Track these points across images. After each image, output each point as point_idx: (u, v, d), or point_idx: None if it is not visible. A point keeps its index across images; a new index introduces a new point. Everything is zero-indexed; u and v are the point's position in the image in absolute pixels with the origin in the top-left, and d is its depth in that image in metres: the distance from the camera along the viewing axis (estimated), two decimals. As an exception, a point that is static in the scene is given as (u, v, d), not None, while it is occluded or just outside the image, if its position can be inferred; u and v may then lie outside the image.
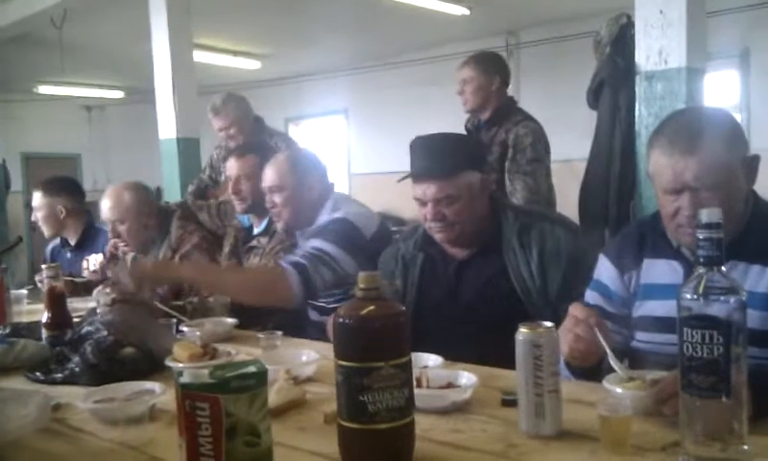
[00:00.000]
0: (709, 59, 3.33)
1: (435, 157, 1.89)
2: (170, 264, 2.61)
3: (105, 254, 3.27)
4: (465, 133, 3.44)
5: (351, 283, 1.21)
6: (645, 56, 3.01)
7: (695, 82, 2.95)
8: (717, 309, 0.97)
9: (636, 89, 3.06)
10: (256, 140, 3.50)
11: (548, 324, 1.20)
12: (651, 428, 1.14)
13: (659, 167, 1.43)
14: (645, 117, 3.02)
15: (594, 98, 3.75)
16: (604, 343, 1.31)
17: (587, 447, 1.10)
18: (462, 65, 3.40)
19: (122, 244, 2.85)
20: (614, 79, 3.59)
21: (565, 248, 1.84)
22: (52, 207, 3.40)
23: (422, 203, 1.89)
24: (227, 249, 2.78)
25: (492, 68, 3.33)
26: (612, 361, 1.31)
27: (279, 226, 2.46)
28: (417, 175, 1.90)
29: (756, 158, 1.44)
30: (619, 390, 1.24)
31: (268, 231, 2.66)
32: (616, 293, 1.60)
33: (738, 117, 6.69)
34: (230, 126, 3.80)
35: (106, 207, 2.84)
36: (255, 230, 2.74)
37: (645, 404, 1.19)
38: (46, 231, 3.46)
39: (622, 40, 3.56)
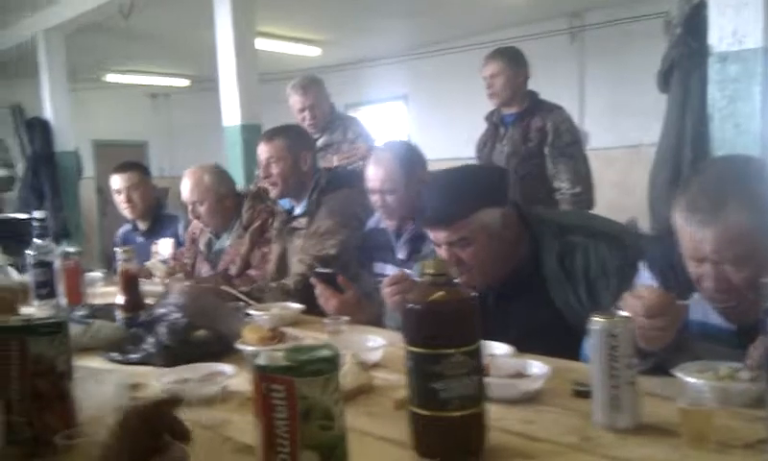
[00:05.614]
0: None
1: (444, 199, 1.77)
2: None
3: (177, 239, 3.36)
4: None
5: None
6: (719, 36, 2.89)
7: (773, 63, 2.82)
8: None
9: (709, 71, 2.95)
10: (287, 125, 3.23)
11: (623, 312, 1.17)
12: (732, 423, 1.10)
13: (679, 231, 1.34)
14: (718, 100, 2.91)
15: (664, 81, 3.63)
16: (680, 302, 1.28)
17: (667, 441, 1.06)
18: (487, 60, 3.56)
19: (201, 224, 2.91)
20: (686, 61, 3.46)
21: (611, 266, 1.70)
22: (146, 186, 3.48)
23: (438, 245, 1.78)
24: (274, 232, 2.82)
25: (518, 62, 3.52)
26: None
27: (391, 224, 2.42)
28: (426, 221, 1.82)
29: None
30: (695, 381, 1.19)
31: (308, 213, 2.68)
32: None
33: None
34: (313, 106, 3.86)
35: (186, 189, 2.89)
36: (297, 211, 2.76)
37: (724, 396, 1.15)
38: (139, 207, 3.43)
39: (694, 21, 3.43)
